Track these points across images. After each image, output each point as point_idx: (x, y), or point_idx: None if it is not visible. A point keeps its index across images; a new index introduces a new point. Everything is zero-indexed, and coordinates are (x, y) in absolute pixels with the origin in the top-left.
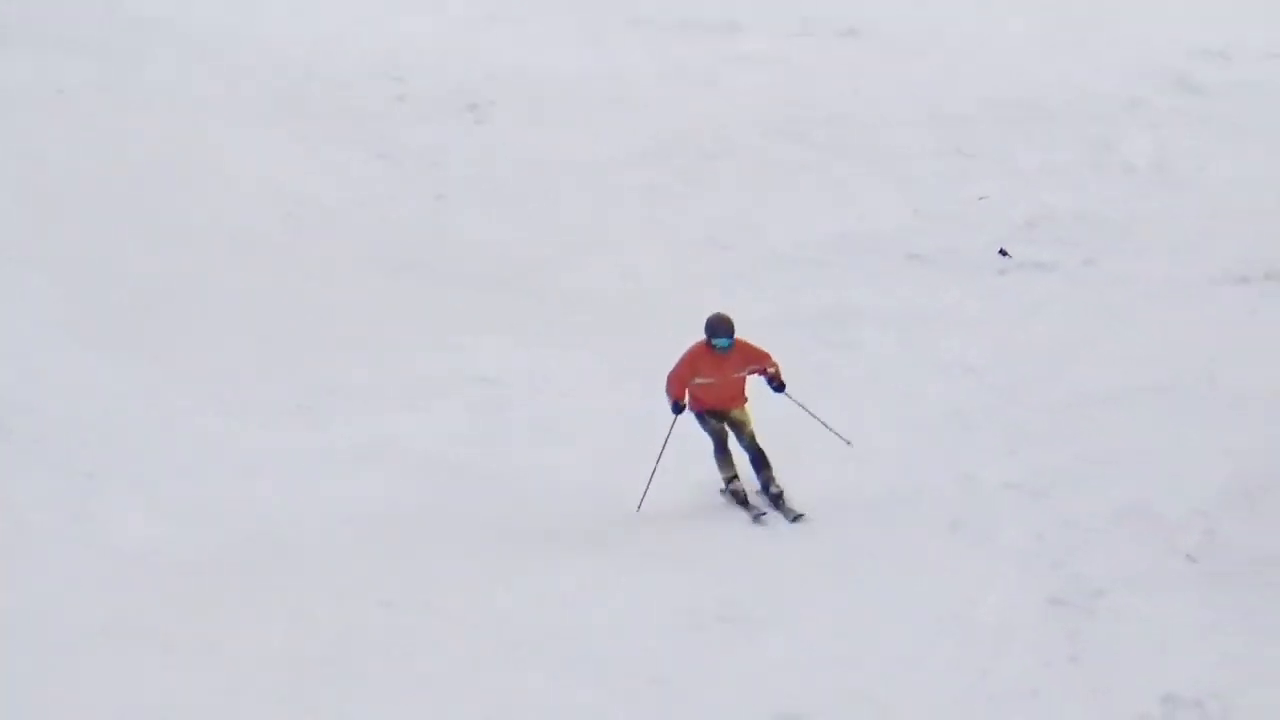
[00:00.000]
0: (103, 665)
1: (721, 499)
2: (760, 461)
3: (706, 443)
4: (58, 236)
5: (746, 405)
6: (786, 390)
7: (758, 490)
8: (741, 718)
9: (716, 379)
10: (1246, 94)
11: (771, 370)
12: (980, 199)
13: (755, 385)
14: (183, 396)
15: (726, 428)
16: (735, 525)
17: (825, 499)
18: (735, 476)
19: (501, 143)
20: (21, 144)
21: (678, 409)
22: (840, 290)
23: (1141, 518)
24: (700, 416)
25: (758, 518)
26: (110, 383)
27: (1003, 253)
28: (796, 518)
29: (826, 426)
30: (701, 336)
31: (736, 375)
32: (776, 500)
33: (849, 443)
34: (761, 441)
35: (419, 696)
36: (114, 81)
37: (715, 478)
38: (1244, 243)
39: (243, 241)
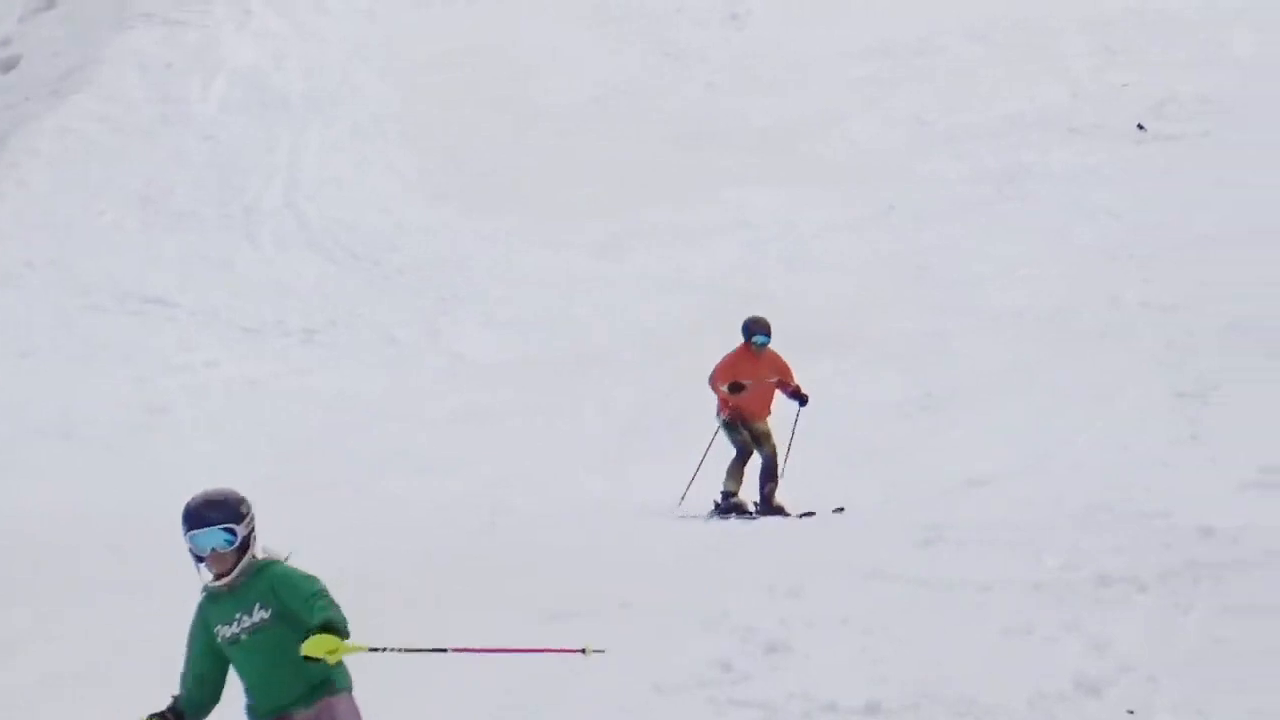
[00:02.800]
0: (454, 438)
1: (705, 511)
2: (770, 473)
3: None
4: (417, 113)
5: (769, 420)
6: (805, 407)
7: (756, 500)
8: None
9: (753, 380)
10: None
11: (796, 385)
12: (1123, 85)
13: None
14: (517, 238)
15: (751, 444)
16: None
17: (1001, 314)
18: (737, 492)
19: (758, 41)
20: (387, 36)
21: (736, 388)
22: (1014, 154)
23: (1246, 329)
24: (730, 426)
25: (747, 515)
26: (458, 228)
27: (1140, 127)
28: (805, 514)
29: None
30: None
31: (768, 380)
32: (770, 509)
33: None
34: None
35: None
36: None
37: None
38: None
39: (561, 117)
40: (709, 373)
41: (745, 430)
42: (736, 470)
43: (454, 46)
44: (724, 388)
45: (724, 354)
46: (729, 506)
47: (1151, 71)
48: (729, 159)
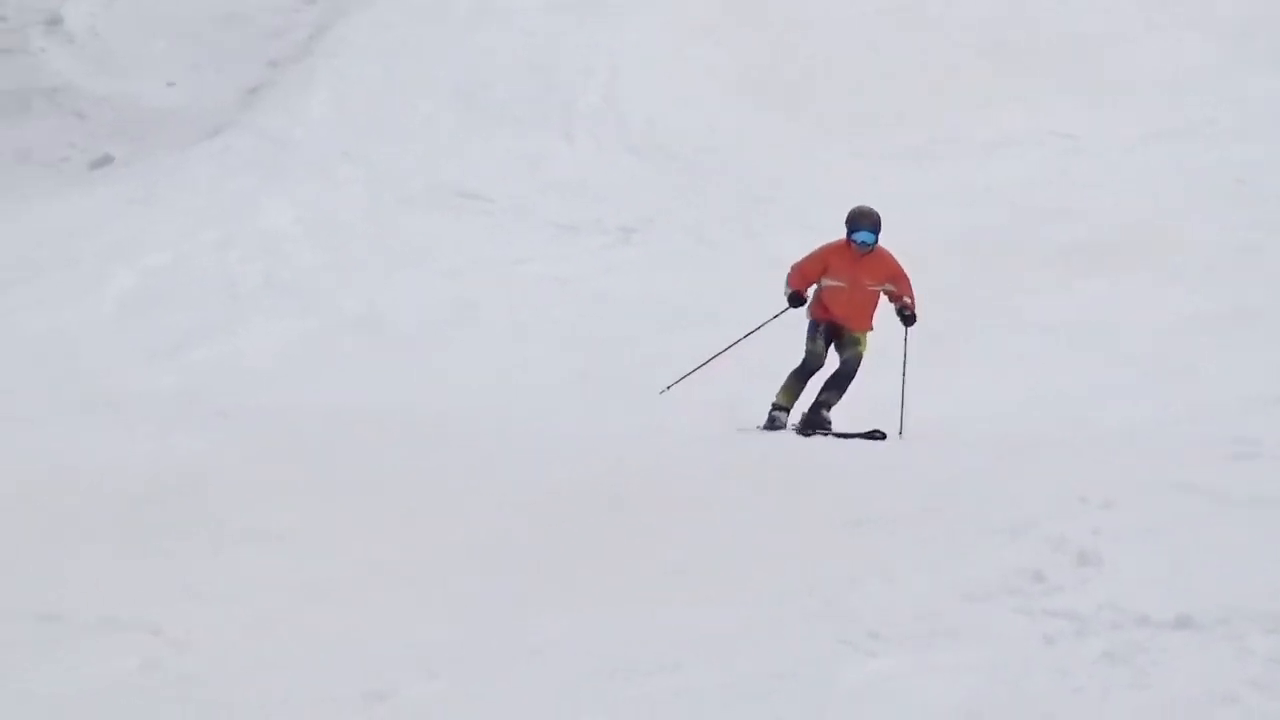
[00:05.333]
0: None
1: (767, 419)
2: (841, 381)
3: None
4: (735, 16)
5: (868, 333)
6: (911, 328)
7: (809, 407)
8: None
9: (848, 282)
10: None
11: (908, 299)
12: None
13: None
14: (827, 144)
15: (827, 356)
16: None
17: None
18: (789, 409)
19: None
20: None
21: (796, 300)
22: None
23: None
24: (812, 326)
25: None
26: (772, 132)
27: None
28: (873, 433)
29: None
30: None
31: (870, 286)
32: (815, 421)
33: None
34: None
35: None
36: None
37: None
38: None
39: (871, 24)
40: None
41: (824, 336)
42: (795, 382)
43: None
44: (787, 290)
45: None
46: (770, 421)
47: None
48: (1038, 70)
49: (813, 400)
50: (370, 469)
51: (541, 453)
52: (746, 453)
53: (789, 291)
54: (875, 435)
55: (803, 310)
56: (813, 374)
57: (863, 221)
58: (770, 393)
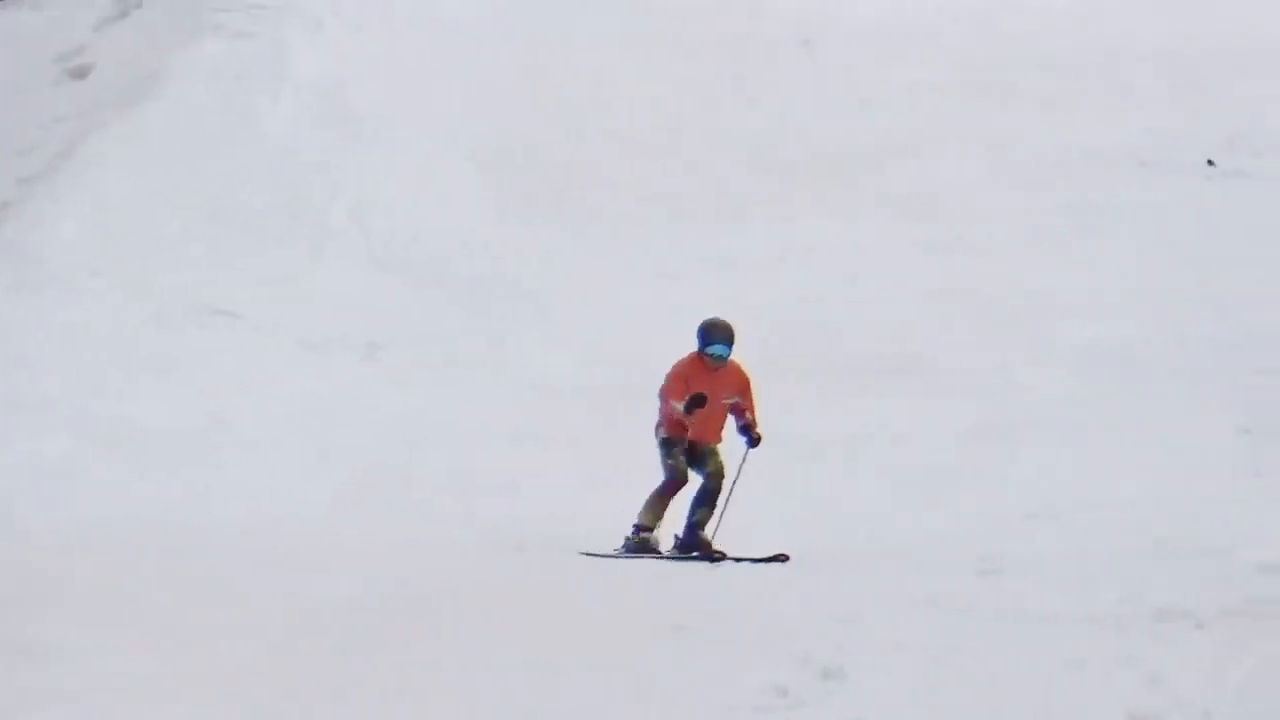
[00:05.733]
0: (514, 459)
1: (623, 543)
2: (708, 499)
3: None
4: (486, 132)
5: (719, 447)
6: (751, 451)
7: (683, 529)
8: None
9: (706, 398)
10: None
11: (750, 416)
12: (1194, 120)
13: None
14: (581, 260)
15: (689, 474)
16: None
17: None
18: (654, 529)
19: (829, 68)
20: (457, 54)
21: (697, 401)
22: (1084, 188)
23: None
24: (667, 445)
25: (655, 555)
26: (523, 249)
27: (1210, 163)
28: (777, 557)
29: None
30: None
31: (725, 400)
32: (692, 542)
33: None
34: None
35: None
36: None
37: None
38: None
39: (629, 141)
40: (661, 383)
41: (685, 452)
42: (658, 501)
43: (524, 67)
44: (679, 405)
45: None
46: (638, 544)
47: (1223, 107)
48: (797, 186)
49: (686, 522)
50: (123, 582)
51: (293, 569)
52: (501, 567)
53: (682, 404)
54: (779, 558)
55: (653, 430)
56: (677, 492)
57: (716, 334)
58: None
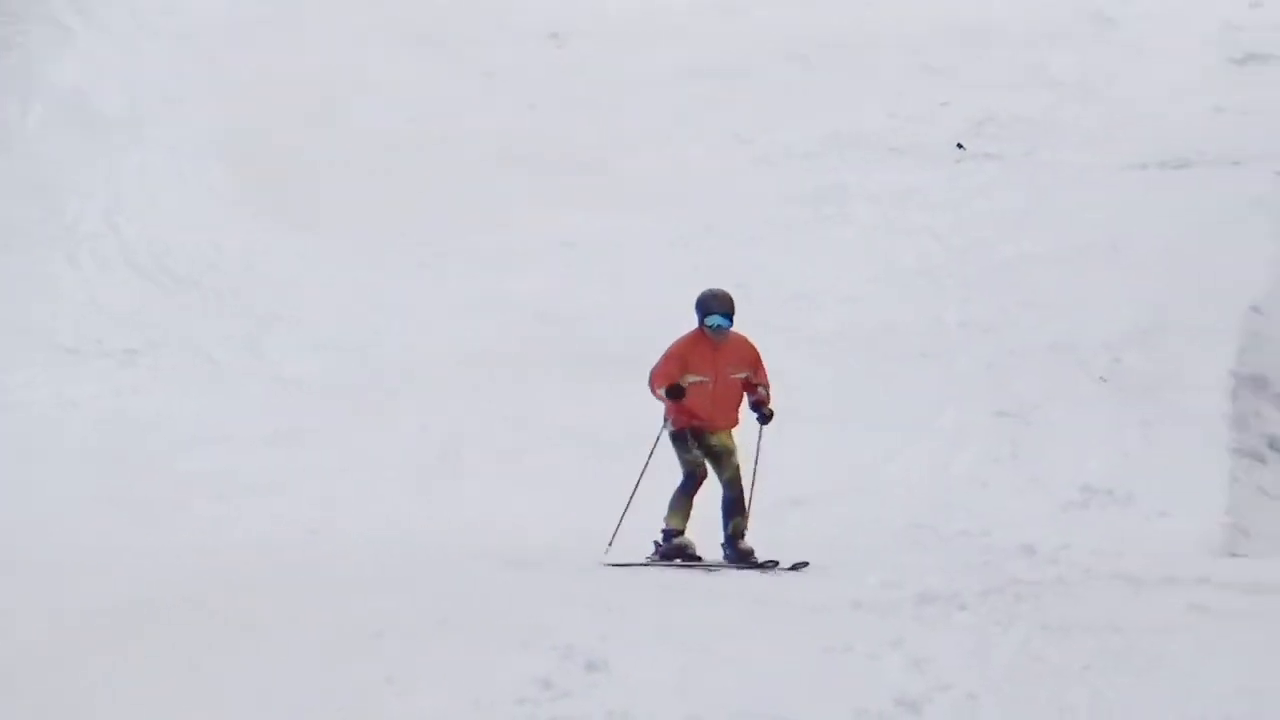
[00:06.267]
0: (274, 460)
1: (644, 555)
2: (736, 506)
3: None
4: (238, 134)
5: (734, 432)
6: (767, 424)
7: (722, 541)
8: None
9: (710, 376)
10: (1148, 23)
11: (764, 391)
12: (942, 105)
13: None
14: (337, 259)
15: (707, 463)
16: None
17: (821, 334)
18: (684, 531)
19: (578, 61)
20: (208, 57)
21: (677, 391)
22: (834, 174)
23: (1065, 349)
24: (678, 438)
25: (695, 560)
26: (279, 250)
27: (959, 146)
28: (797, 565)
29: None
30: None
31: (733, 375)
32: (739, 555)
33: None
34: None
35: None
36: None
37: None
38: (1142, 139)
39: (382, 138)
40: (650, 367)
41: (698, 445)
42: (682, 501)
43: (275, 68)
44: (662, 390)
45: (672, 340)
46: (672, 549)
47: (971, 91)
48: (549, 180)
49: (724, 536)
50: None
51: (44, 573)
52: (264, 569)
53: (665, 388)
54: (799, 566)
55: (664, 428)
56: (699, 487)
57: (715, 304)
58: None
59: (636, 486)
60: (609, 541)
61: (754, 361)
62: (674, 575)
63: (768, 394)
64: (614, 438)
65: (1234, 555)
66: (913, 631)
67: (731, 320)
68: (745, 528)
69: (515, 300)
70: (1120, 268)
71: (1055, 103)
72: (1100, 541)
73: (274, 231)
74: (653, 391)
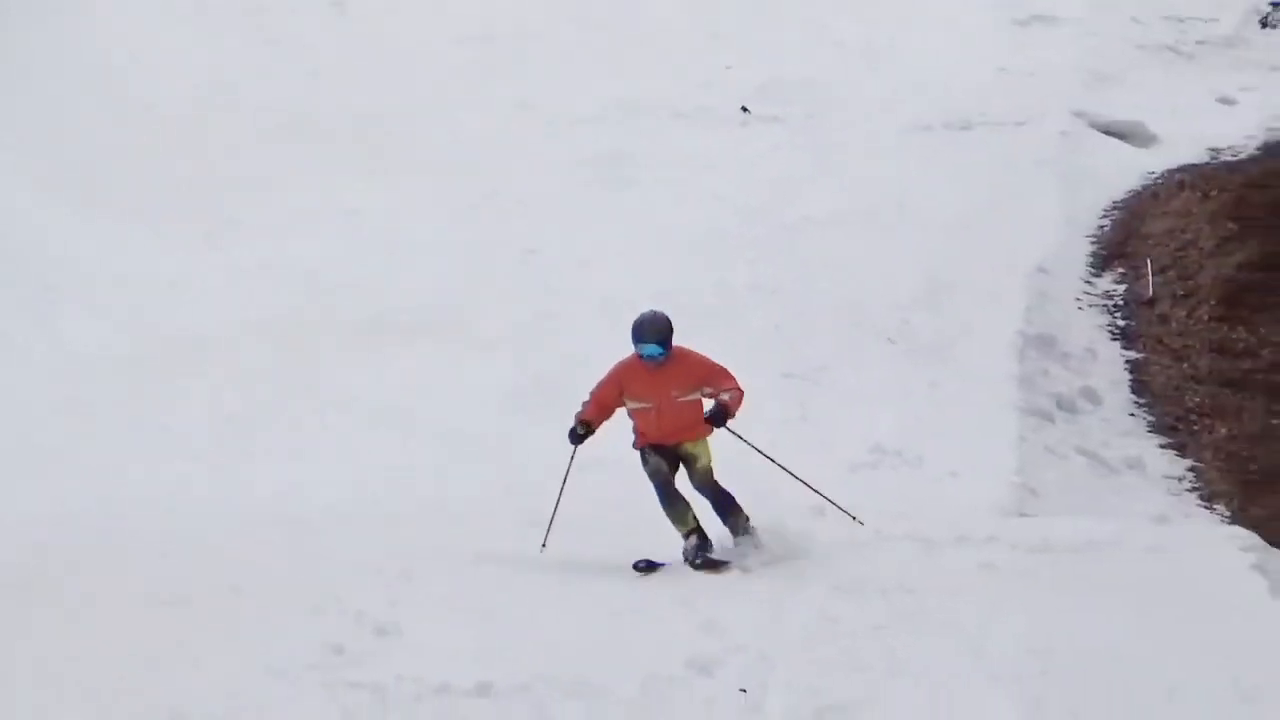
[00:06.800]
0: (58, 431)
1: (688, 566)
2: (724, 504)
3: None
4: (15, 107)
5: (705, 438)
6: (729, 425)
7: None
8: None
9: (653, 402)
10: None
11: (726, 397)
12: (726, 68)
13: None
14: (120, 230)
15: (666, 467)
16: None
17: (609, 299)
18: (696, 527)
19: (360, 28)
20: None
21: (576, 435)
22: (618, 139)
23: (853, 311)
24: (642, 455)
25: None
26: (62, 221)
27: (744, 109)
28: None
29: (825, 497)
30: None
31: (683, 398)
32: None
33: (858, 520)
34: (723, 481)
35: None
36: None
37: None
38: (927, 101)
39: (162, 108)
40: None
41: (659, 454)
42: (668, 507)
43: (51, 41)
44: (574, 422)
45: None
46: (701, 546)
47: (755, 55)
48: (331, 148)
49: (730, 530)
50: None
51: None
52: (53, 538)
53: (575, 421)
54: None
55: (630, 444)
56: (672, 487)
57: (645, 333)
58: None
59: (560, 495)
60: (542, 542)
61: (704, 378)
62: (454, 543)
63: (732, 398)
64: (396, 405)
65: (1023, 515)
66: (703, 593)
67: (665, 346)
68: (740, 521)
69: (297, 269)
70: (907, 229)
71: (839, 65)
72: (890, 502)
73: (57, 203)
74: (579, 413)
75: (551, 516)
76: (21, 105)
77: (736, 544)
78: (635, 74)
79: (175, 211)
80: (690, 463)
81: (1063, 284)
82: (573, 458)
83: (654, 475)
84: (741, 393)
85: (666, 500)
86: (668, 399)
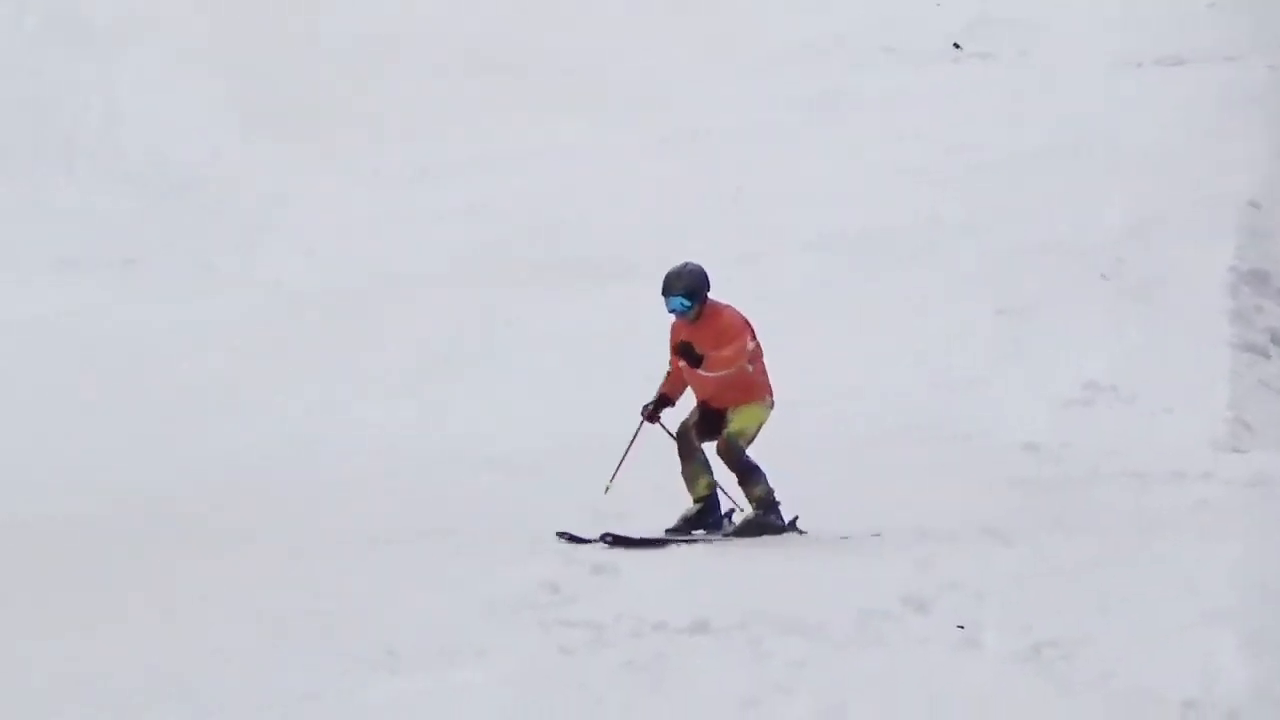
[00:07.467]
0: (269, 368)
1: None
2: (742, 476)
3: None
4: (227, 44)
5: (741, 407)
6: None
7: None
8: None
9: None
10: None
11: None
12: (936, 4)
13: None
14: (327, 167)
15: (692, 423)
16: None
17: (818, 237)
18: (705, 496)
19: None
20: None
21: (646, 411)
22: (827, 76)
23: (1064, 248)
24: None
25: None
26: (270, 158)
27: (956, 46)
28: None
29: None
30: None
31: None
32: (740, 528)
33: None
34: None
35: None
36: None
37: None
38: (1137, 38)
39: (367, 48)
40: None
41: (696, 415)
42: (682, 458)
43: None
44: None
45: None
46: (692, 522)
47: None
48: (540, 88)
49: (751, 500)
50: None
51: (44, 484)
52: (269, 478)
53: (651, 402)
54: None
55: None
56: (692, 456)
57: (671, 287)
58: None
59: (622, 459)
60: (607, 485)
61: (727, 338)
62: (666, 480)
63: (718, 360)
64: (604, 342)
65: (1237, 450)
66: (916, 530)
67: (694, 299)
68: (760, 491)
69: (505, 207)
70: (1117, 166)
71: (1049, 2)
72: (1105, 439)
73: (265, 140)
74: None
75: (621, 460)
76: (229, 43)
77: (748, 517)
78: (845, 9)
79: (381, 149)
80: (725, 425)
81: (1274, 220)
82: (639, 429)
83: (680, 432)
84: (725, 361)
85: (682, 456)
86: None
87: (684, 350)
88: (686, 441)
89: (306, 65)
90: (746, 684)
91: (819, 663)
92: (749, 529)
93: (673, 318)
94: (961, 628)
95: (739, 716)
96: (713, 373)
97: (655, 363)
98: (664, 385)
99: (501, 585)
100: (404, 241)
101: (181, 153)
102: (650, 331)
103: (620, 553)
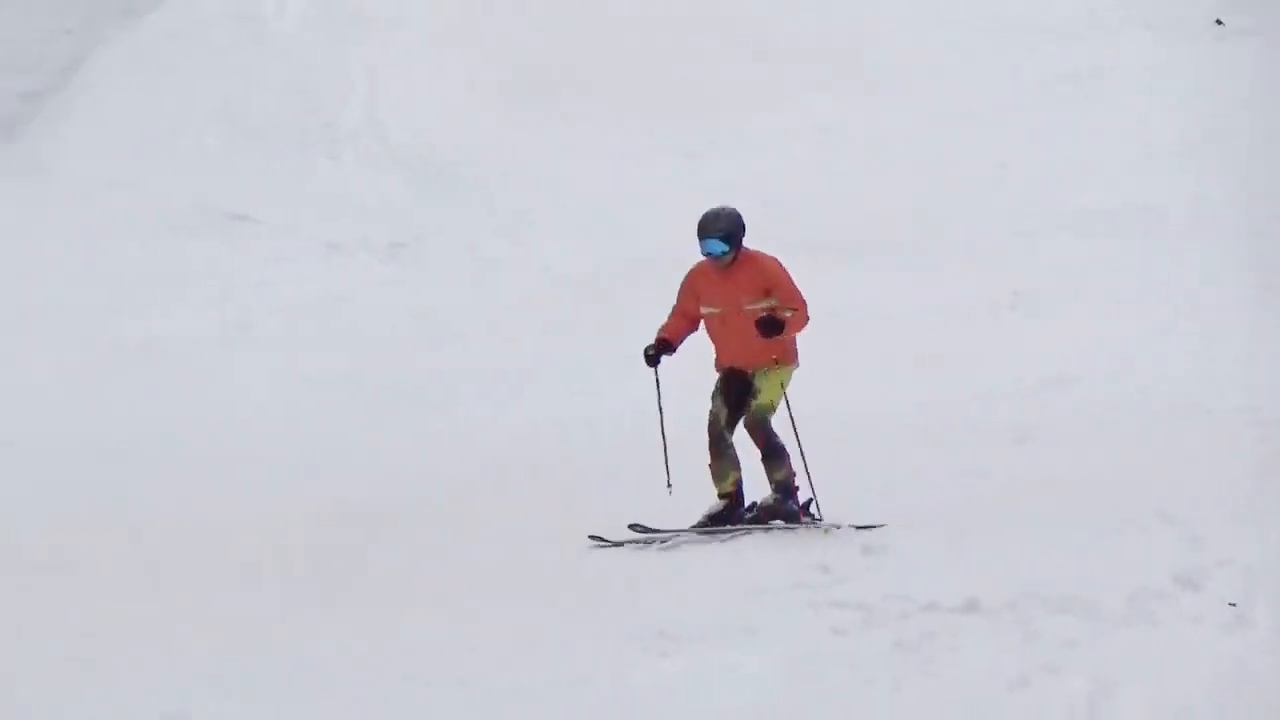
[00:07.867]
0: (539, 352)
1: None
2: (768, 454)
3: None
4: (493, 25)
5: (772, 371)
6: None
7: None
8: None
9: (721, 305)
10: None
11: (790, 314)
12: None
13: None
14: (595, 148)
15: (723, 419)
16: None
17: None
18: (731, 493)
19: None
20: None
21: (649, 357)
22: (1090, 52)
23: None
24: (714, 389)
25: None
26: (538, 140)
27: (1219, 22)
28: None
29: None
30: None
31: (750, 306)
32: (760, 514)
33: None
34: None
35: None
36: None
37: None
38: None
39: (633, 28)
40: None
41: (727, 388)
42: (713, 453)
43: None
44: (652, 343)
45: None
46: (718, 518)
47: None
48: (798, 67)
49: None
50: (145, 498)
51: (318, 470)
52: (523, 465)
53: (651, 345)
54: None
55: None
56: (720, 441)
57: (708, 228)
58: None
59: (662, 427)
60: (668, 483)
61: (772, 285)
62: (937, 458)
63: (794, 314)
64: (870, 318)
65: None
66: (1185, 509)
67: (732, 243)
68: (782, 477)
69: (772, 185)
70: None
71: None
72: None
73: (533, 121)
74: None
75: (665, 454)
76: (496, 25)
77: (768, 499)
78: None
79: (650, 130)
80: (753, 397)
81: None
82: (658, 383)
83: (710, 423)
84: (806, 319)
85: (711, 451)
86: (737, 304)
87: (766, 325)
88: (718, 435)
89: (572, 46)
90: (1016, 664)
91: (1090, 642)
92: (764, 515)
93: (696, 262)
94: (1234, 605)
95: (1008, 697)
96: (798, 331)
97: (921, 337)
98: (666, 330)
99: (771, 566)
100: (672, 224)
101: (448, 136)
102: (914, 308)
103: (890, 532)
